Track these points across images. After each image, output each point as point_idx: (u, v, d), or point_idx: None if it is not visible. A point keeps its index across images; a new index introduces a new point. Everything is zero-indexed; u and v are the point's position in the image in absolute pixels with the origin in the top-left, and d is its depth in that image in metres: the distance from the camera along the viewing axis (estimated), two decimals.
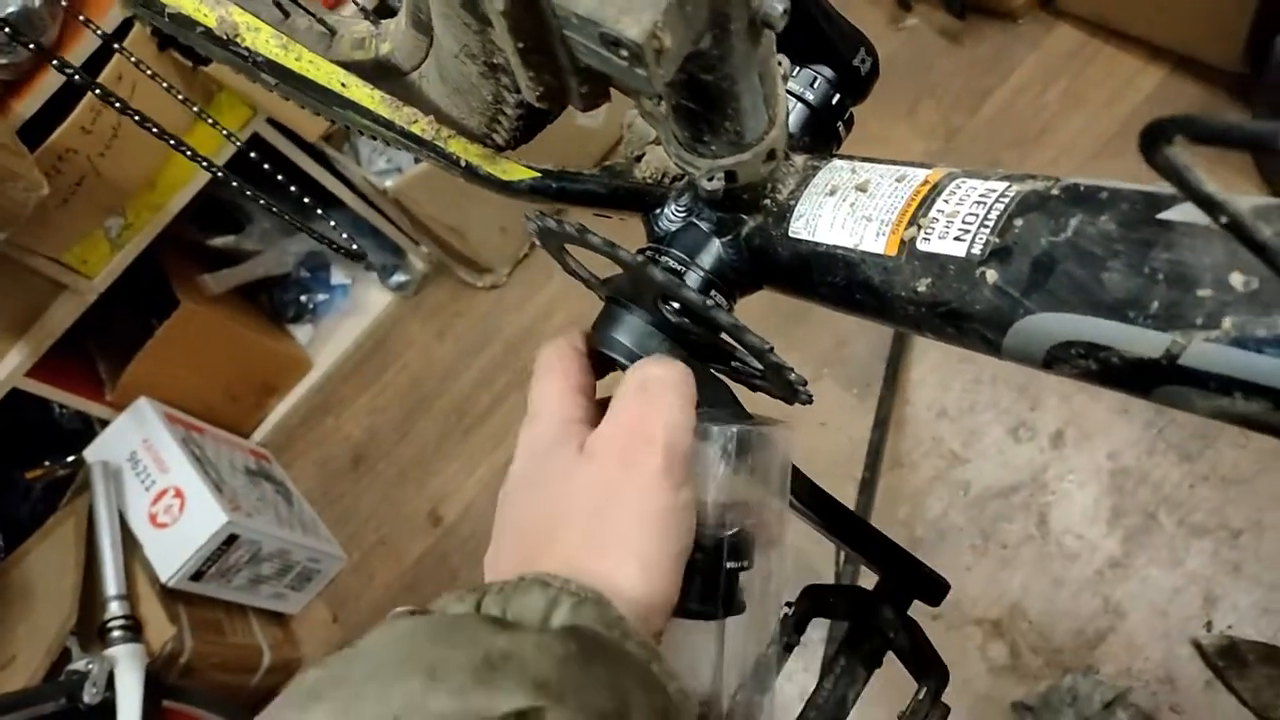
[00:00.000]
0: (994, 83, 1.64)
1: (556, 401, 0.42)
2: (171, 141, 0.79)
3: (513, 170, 0.45)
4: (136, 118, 0.78)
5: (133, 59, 0.89)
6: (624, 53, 0.28)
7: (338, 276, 2.11)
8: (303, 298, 2.09)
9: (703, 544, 0.39)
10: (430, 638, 0.30)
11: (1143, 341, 0.29)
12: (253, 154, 1.05)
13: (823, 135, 0.46)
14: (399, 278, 2.05)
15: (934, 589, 0.51)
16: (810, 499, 0.50)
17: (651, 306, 0.44)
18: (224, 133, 1.02)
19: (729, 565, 0.40)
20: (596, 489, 0.37)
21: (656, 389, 0.38)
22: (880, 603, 0.51)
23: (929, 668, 0.49)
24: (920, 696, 0.49)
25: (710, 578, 0.39)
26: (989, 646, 1.33)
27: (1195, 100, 1.45)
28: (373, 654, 0.30)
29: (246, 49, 0.43)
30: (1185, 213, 0.30)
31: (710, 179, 0.39)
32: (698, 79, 0.33)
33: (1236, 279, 0.27)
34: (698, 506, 0.39)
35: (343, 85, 0.43)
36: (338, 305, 2.11)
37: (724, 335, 0.43)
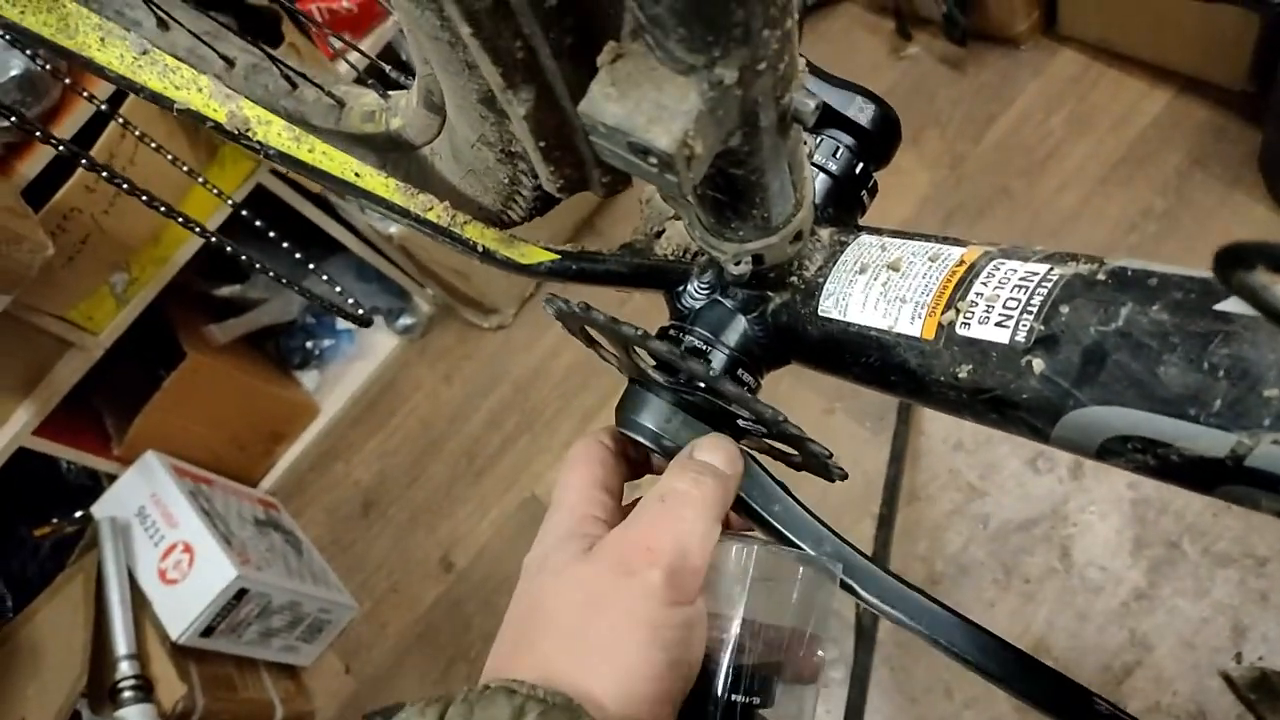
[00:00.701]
0: (998, 110, 1.63)
1: (575, 495, 0.41)
2: (162, 209, 0.78)
3: (531, 254, 0.44)
4: (125, 186, 0.77)
5: (135, 131, 0.88)
6: (653, 160, 0.27)
7: (343, 322, 2.10)
8: (309, 344, 2.08)
9: (709, 668, 0.37)
10: None
11: (1205, 440, 0.28)
12: (243, 211, 1.05)
13: (847, 204, 0.45)
14: (405, 321, 2.04)
15: None
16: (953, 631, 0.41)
17: (670, 385, 0.42)
18: (216, 192, 1.02)
19: (735, 698, 0.37)
20: (587, 591, 0.36)
21: (676, 501, 0.37)
22: None
23: None
24: None
25: (710, 706, 0.37)
26: None
27: (1204, 122, 1.44)
28: None
29: (259, 142, 0.42)
30: (1243, 305, 0.28)
31: (737, 263, 0.38)
32: (726, 173, 0.32)
33: None
34: (712, 625, 0.37)
35: (356, 175, 0.42)
36: (344, 350, 2.10)
37: (744, 413, 0.42)
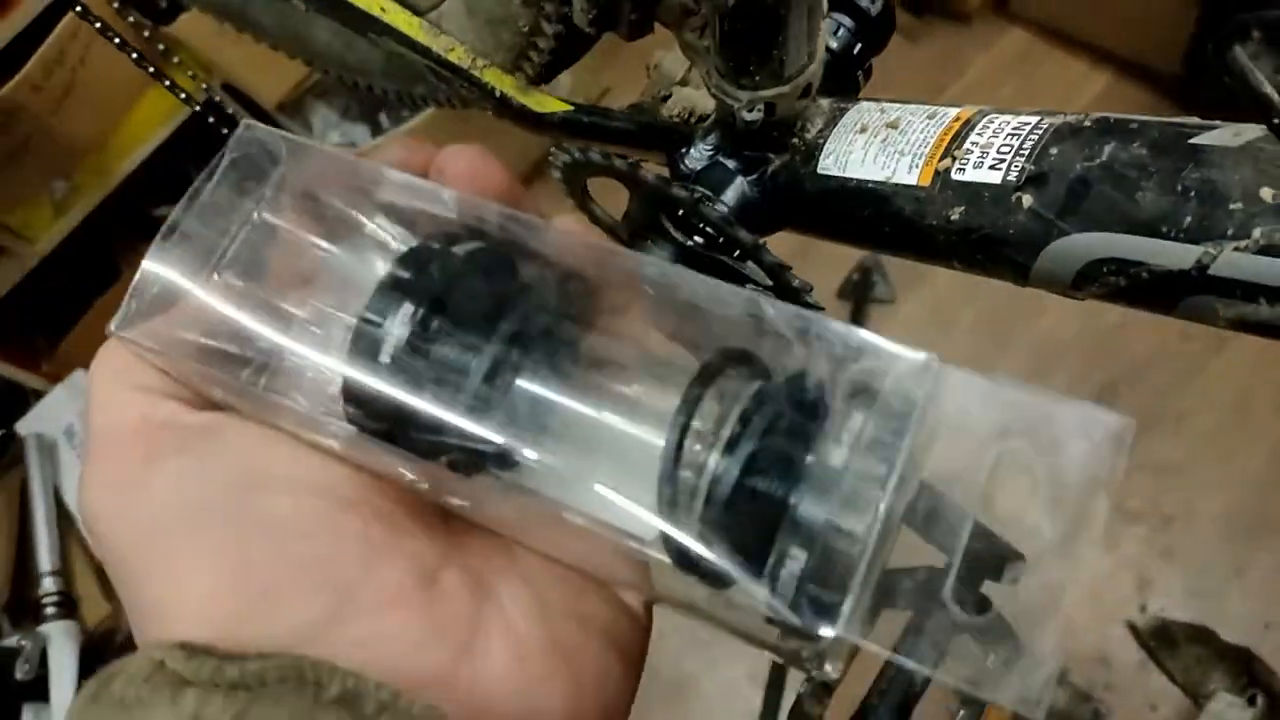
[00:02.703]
0: (947, 81, 1.69)
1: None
2: (152, 70, 0.77)
3: (546, 103, 0.45)
4: (116, 39, 0.75)
5: (95, 22, 0.87)
6: None
7: None
8: None
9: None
10: None
11: (1174, 254, 0.32)
12: (210, 119, 1.04)
13: (843, 83, 0.48)
14: None
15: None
16: None
17: (673, 239, 0.45)
18: (182, 96, 1.01)
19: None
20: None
21: None
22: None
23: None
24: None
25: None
26: None
27: (1140, 104, 1.53)
28: None
29: None
30: (1214, 138, 0.32)
31: (750, 110, 0.41)
32: (755, 1, 0.35)
33: (1266, 192, 0.30)
34: None
35: (382, 9, 0.43)
36: None
37: (748, 265, 0.44)
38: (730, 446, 0.21)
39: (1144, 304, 0.34)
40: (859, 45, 0.48)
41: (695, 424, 0.22)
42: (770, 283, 0.44)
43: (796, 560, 0.20)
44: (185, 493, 0.24)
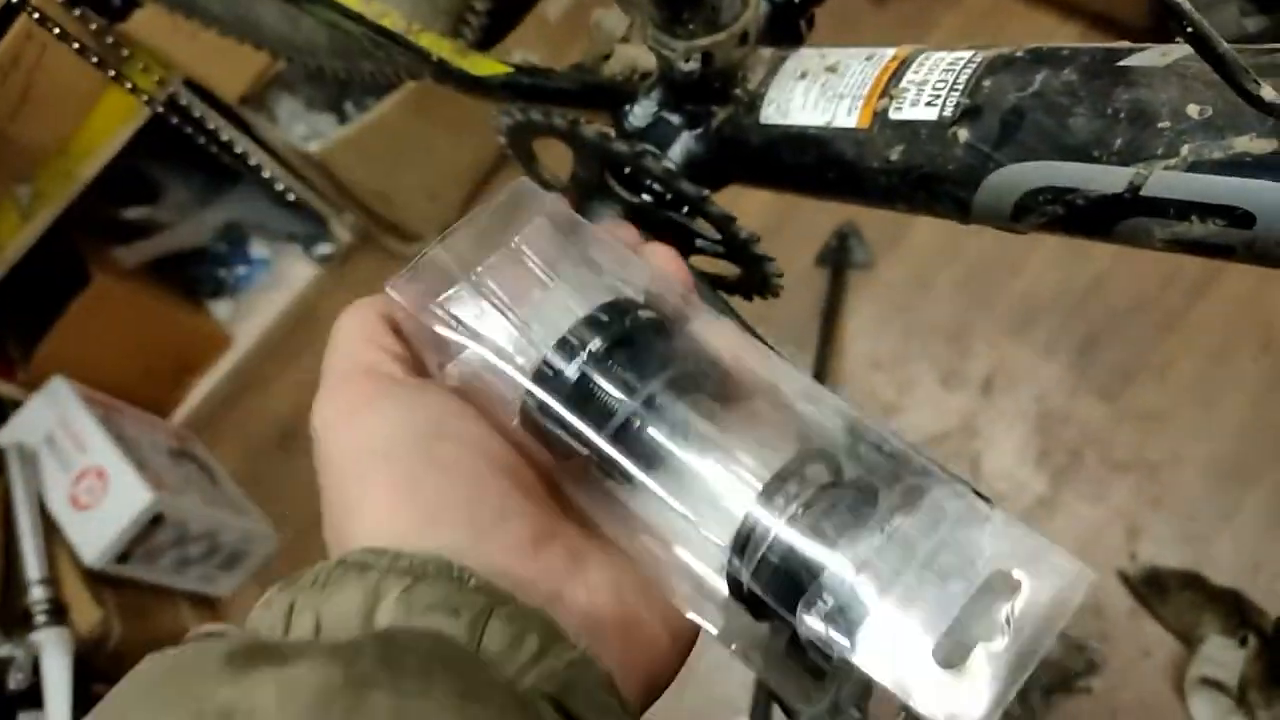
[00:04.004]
0: (916, 40, 1.69)
1: (351, 343, 0.35)
2: (113, 73, 0.76)
3: (485, 65, 0.45)
4: (76, 44, 0.75)
5: (54, 28, 0.85)
6: None
7: (258, 250, 2.05)
8: (221, 272, 2.02)
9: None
10: (151, 695, 0.23)
11: (1107, 178, 0.31)
12: (174, 118, 1.02)
13: (787, 32, 0.48)
14: (323, 249, 2.00)
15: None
16: None
17: (619, 195, 0.44)
18: (145, 99, 0.99)
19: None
20: (410, 425, 0.32)
21: None
22: None
23: None
24: None
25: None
26: None
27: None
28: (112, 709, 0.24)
29: None
30: (1142, 58, 0.32)
31: (687, 60, 0.40)
32: None
33: (1192, 109, 0.30)
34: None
35: None
36: (258, 279, 2.05)
37: (697, 221, 0.44)
38: (794, 518, 0.27)
39: (1081, 231, 0.34)
40: None
41: (774, 492, 0.28)
42: (719, 235, 0.44)
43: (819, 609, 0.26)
44: (389, 430, 0.30)
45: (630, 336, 0.31)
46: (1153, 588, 1.31)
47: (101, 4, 1.29)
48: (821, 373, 1.53)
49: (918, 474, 0.27)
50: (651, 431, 0.30)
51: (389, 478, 0.29)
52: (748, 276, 0.47)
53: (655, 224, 0.45)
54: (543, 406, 0.30)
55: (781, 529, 0.27)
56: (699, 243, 0.46)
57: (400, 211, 1.83)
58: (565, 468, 0.32)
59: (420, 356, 0.34)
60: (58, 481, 1.59)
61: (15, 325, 1.77)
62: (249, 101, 1.61)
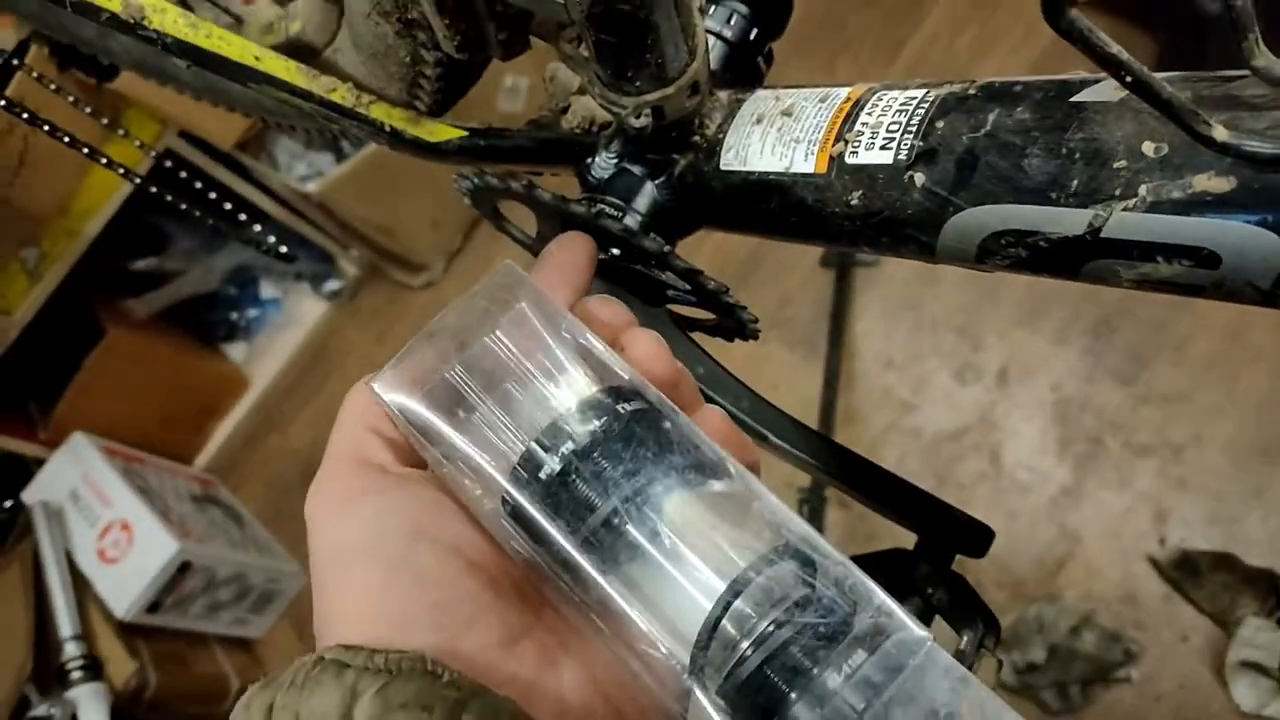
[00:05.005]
0: (906, 33, 1.67)
1: (348, 432, 0.36)
2: (85, 150, 0.77)
3: (439, 131, 0.44)
4: (47, 128, 0.76)
5: (51, 85, 0.86)
6: None
7: (268, 290, 2.07)
8: (233, 315, 2.04)
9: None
10: None
11: (1066, 220, 0.30)
12: (168, 163, 1.03)
13: (744, 72, 0.47)
14: (332, 285, 2.01)
15: (976, 539, 0.46)
16: (823, 453, 0.45)
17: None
18: (138, 145, 1.00)
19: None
20: (388, 523, 0.33)
21: None
22: (917, 562, 0.45)
23: (971, 617, 0.43)
24: (962, 647, 0.43)
25: None
26: None
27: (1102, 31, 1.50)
28: None
29: (155, 31, 0.42)
30: (1096, 93, 0.31)
31: (637, 116, 0.39)
32: (614, 9, 0.33)
33: (1148, 147, 0.29)
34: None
35: (256, 59, 0.42)
36: (270, 319, 2.07)
37: (666, 273, 0.43)
38: (759, 641, 0.26)
39: (1048, 272, 0.33)
40: (755, 31, 0.46)
41: (739, 604, 0.27)
42: (689, 286, 0.43)
43: None
44: (370, 530, 0.31)
45: (600, 439, 0.30)
46: (1185, 571, 1.29)
47: (90, 64, 1.30)
48: (834, 375, 1.51)
49: (881, 613, 0.27)
50: (619, 539, 0.29)
51: (365, 579, 0.30)
52: (723, 322, 0.46)
53: (625, 278, 0.44)
54: (515, 508, 0.30)
55: (749, 649, 0.27)
56: (671, 292, 0.45)
57: (404, 243, 1.83)
58: (539, 563, 0.32)
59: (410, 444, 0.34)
60: (84, 537, 1.61)
61: (33, 384, 1.79)
62: (247, 146, 1.62)
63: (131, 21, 0.41)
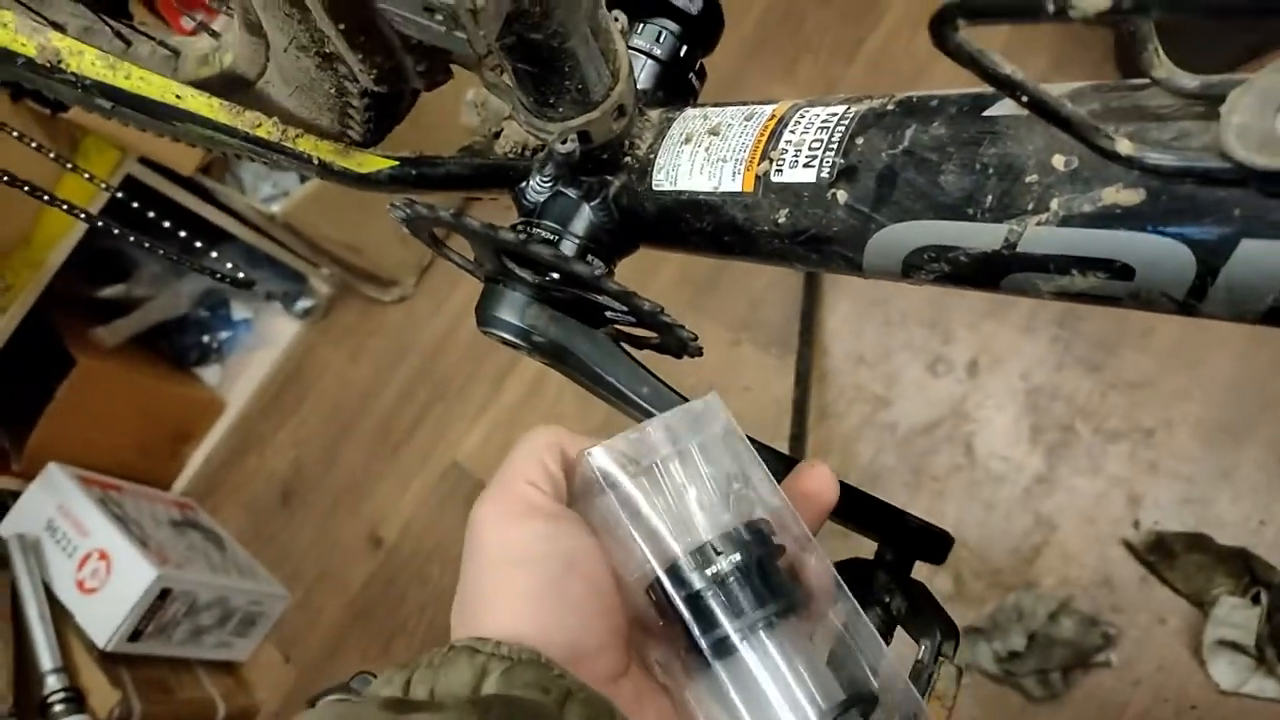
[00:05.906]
0: (865, 32, 1.67)
1: (520, 457, 0.40)
2: (45, 197, 0.76)
3: (368, 162, 0.44)
4: (5, 179, 0.75)
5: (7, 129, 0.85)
6: (439, 17, 0.28)
7: (239, 311, 2.05)
8: (205, 338, 2.02)
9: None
10: None
11: (983, 235, 0.30)
12: (120, 194, 1.02)
13: (676, 89, 0.47)
14: (303, 304, 2.00)
15: (934, 545, 0.46)
16: (779, 469, 0.45)
17: (524, 279, 0.43)
18: (88, 177, 0.99)
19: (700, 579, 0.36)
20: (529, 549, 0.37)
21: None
22: (875, 571, 0.46)
23: (930, 626, 0.44)
24: (921, 656, 0.44)
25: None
26: (933, 580, 1.37)
27: (1058, 31, 1.50)
28: None
29: (73, 74, 0.41)
30: (1008, 106, 0.31)
31: (564, 142, 0.39)
32: (527, 39, 0.33)
33: (1058, 160, 0.29)
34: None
35: (177, 97, 0.42)
36: (243, 341, 2.06)
37: (602, 296, 0.43)
38: None
39: (971, 285, 0.33)
40: (685, 48, 0.46)
41: None
42: (625, 308, 0.43)
43: None
44: (537, 546, 0.35)
45: (749, 566, 0.35)
46: (1159, 554, 1.30)
47: (41, 97, 1.28)
48: (807, 374, 1.52)
49: None
50: (741, 654, 0.35)
51: (525, 584, 0.35)
52: (665, 340, 0.46)
53: (563, 301, 0.44)
54: (666, 594, 0.35)
55: None
56: (609, 314, 0.45)
57: (373, 259, 1.82)
58: (657, 636, 0.37)
59: (571, 487, 0.39)
60: (62, 568, 1.59)
61: (4, 417, 1.77)
62: (210, 170, 1.61)
63: (49, 65, 0.41)
